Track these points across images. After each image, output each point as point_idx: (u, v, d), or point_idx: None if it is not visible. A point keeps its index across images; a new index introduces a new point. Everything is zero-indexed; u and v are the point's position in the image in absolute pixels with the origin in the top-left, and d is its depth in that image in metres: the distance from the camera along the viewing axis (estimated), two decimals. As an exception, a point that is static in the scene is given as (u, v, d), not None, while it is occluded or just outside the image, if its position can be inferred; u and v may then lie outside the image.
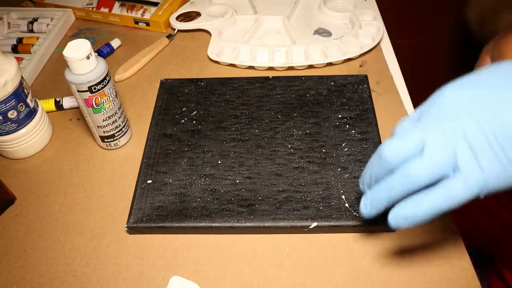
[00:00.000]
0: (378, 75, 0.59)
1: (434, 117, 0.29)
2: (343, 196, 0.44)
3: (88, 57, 0.44)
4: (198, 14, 0.69)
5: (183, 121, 0.53)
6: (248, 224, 0.43)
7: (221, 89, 0.56)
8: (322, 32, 0.65)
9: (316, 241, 0.43)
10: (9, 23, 0.70)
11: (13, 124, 0.49)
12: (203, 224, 0.43)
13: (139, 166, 0.49)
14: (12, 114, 0.49)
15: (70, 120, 0.57)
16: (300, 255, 0.42)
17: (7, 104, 0.47)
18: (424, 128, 0.29)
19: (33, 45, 0.66)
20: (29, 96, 0.51)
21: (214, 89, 0.57)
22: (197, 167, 0.48)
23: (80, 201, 0.48)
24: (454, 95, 0.29)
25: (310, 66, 0.61)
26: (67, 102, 0.58)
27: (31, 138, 0.52)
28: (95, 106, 0.47)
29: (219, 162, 0.48)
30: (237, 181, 0.47)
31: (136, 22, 0.70)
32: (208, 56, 0.63)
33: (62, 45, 0.69)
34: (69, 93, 0.59)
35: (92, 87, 0.45)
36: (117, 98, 0.49)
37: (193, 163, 0.49)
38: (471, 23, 0.64)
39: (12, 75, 0.47)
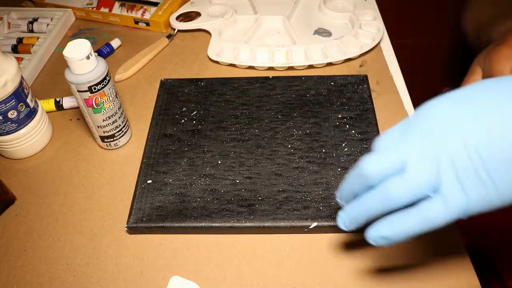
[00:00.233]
0: (378, 75, 0.59)
1: (418, 134, 0.28)
2: (343, 196, 0.44)
3: (88, 57, 0.44)
4: (198, 14, 0.69)
5: (183, 121, 0.53)
6: (248, 224, 0.43)
7: (221, 89, 0.56)
8: (322, 32, 0.65)
9: (316, 241, 0.43)
10: (9, 23, 0.70)
11: (13, 124, 0.49)
12: (203, 224, 0.43)
13: (139, 166, 0.49)
14: (12, 114, 0.49)
15: (70, 120, 0.57)
16: (300, 255, 0.42)
17: (7, 104, 0.47)
18: (407, 145, 0.28)
19: (33, 45, 0.66)
20: (29, 96, 0.51)
21: (214, 89, 0.57)
22: (197, 167, 0.48)
23: (80, 201, 0.48)
24: (439, 113, 0.28)
25: (310, 66, 0.61)
26: (67, 102, 0.58)
27: (31, 138, 0.52)
28: (95, 106, 0.47)
29: (219, 162, 0.48)
30: (237, 181, 0.47)
31: (136, 22, 0.70)
32: (208, 56, 0.63)
33: (62, 45, 0.69)
34: (69, 93, 0.59)
35: (92, 87, 0.45)
36: (117, 98, 0.49)
37: (193, 163, 0.49)
38: (467, 35, 0.64)
39: (12, 75, 0.47)
